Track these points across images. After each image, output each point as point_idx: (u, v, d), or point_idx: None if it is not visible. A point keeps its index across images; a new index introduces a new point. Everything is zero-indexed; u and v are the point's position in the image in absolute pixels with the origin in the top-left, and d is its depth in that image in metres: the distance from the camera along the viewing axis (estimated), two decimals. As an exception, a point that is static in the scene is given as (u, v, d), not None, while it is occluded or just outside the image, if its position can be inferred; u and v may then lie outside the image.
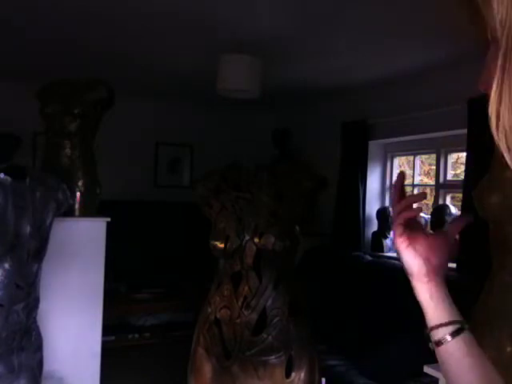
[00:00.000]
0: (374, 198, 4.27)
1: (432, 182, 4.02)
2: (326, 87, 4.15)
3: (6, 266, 1.67)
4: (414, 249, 0.70)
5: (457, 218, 0.81)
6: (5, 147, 4.12)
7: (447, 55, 3.11)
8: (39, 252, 1.81)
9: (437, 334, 0.67)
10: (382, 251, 4.01)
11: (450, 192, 3.71)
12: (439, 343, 0.66)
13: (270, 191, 1.81)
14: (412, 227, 0.71)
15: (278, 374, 1.70)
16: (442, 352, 0.67)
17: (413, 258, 0.70)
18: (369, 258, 3.72)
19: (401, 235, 0.70)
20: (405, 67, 3.42)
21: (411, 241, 0.70)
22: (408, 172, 4.47)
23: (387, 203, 4.27)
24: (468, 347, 0.66)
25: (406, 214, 0.71)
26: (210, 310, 1.81)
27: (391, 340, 2.81)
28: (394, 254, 3.93)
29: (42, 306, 1.92)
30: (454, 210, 3.48)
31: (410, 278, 0.72)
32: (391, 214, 3.92)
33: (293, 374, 1.72)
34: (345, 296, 3.55)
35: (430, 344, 0.68)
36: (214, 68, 2.96)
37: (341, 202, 4.22)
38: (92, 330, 2.41)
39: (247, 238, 1.75)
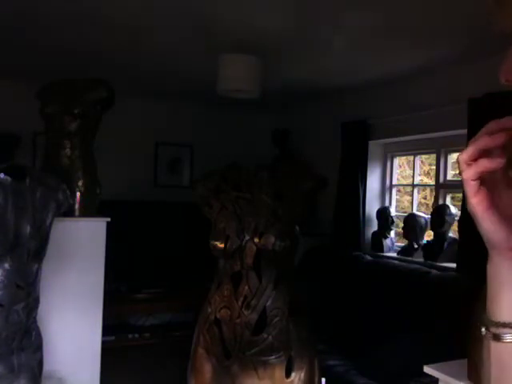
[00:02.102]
0: (374, 198, 4.27)
1: (432, 181, 4.02)
2: (325, 87, 4.16)
3: (6, 265, 1.67)
4: (498, 211, 0.51)
5: None
6: (5, 147, 4.12)
7: (447, 55, 3.11)
8: (39, 252, 1.81)
9: (504, 331, 0.52)
10: (382, 251, 4.01)
11: (450, 192, 3.71)
12: (500, 338, 0.52)
13: (270, 191, 1.81)
14: (491, 179, 0.51)
15: (278, 374, 1.70)
16: (503, 349, 0.52)
17: (496, 224, 0.51)
18: (369, 257, 3.72)
19: (476, 194, 0.51)
20: (405, 67, 3.42)
21: (493, 200, 0.51)
22: (408, 172, 4.47)
23: (387, 203, 4.27)
24: None
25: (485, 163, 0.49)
26: (210, 309, 1.81)
27: (391, 340, 2.81)
28: (394, 254, 3.93)
29: (42, 306, 1.91)
30: (453, 210, 3.48)
31: (490, 251, 0.53)
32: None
33: (293, 374, 1.72)
34: (345, 296, 3.55)
35: (484, 330, 0.55)
36: (214, 68, 2.96)
37: (341, 202, 4.22)
38: (92, 330, 2.41)
39: (247, 237, 1.75)
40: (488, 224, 0.51)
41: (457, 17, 2.47)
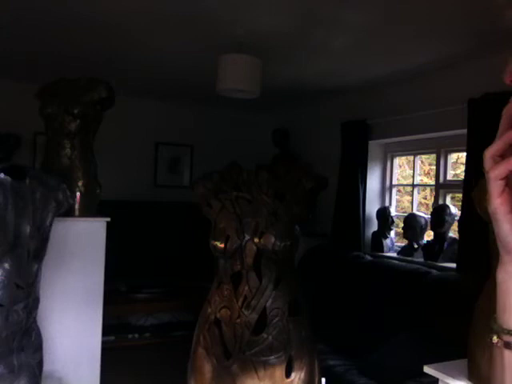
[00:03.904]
0: (374, 198, 4.27)
1: (432, 181, 4.02)
2: (325, 87, 4.16)
3: (6, 265, 1.67)
4: None
5: None
6: (5, 147, 4.12)
7: (447, 55, 3.11)
8: (39, 252, 1.81)
9: None
10: (382, 251, 4.01)
11: (449, 192, 3.71)
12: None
13: (270, 191, 1.81)
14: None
15: (278, 374, 1.70)
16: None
17: None
18: (369, 258, 3.72)
19: (501, 194, 0.49)
20: (405, 67, 3.42)
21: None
22: (408, 172, 4.47)
23: (387, 203, 4.27)
24: None
25: None
26: (210, 310, 1.81)
27: (391, 340, 2.81)
28: (394, 254, 3.93)
29: (42, 305, 1.91)
30: (454, 210, 3.48)
31: (504, 256, 0.52)
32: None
33: (293, 374, 1.72)
34: (345, 296, 3.55)
35: (495, 338, 0.54)
36: (213, 68, 2.96)
37: (341, 202, 4.22)
38: (92, 329, 2.41)
39: (247, 237, 1.75)
40: (506, 227, 0.49)
41: (457, 17, 2.47)
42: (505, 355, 0.53)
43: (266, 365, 1.69)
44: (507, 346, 0.52)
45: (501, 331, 0.53)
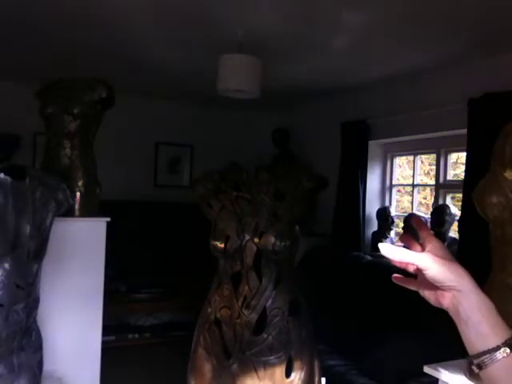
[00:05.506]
0: (374, 198, 4.27)
1: (432, 181, 4.02)
2: (326, 87, 4.16)
3: (6, 265, 1.66)
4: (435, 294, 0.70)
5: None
6: (5, 147, 4.12)
7: (447, 55, 3.11)
8: (39, 252, 1.81)
9: (477, 359, 0.62)
10: (382, 251, 4.01)
11: (449, 192, 3.71)
12: (480, 367, 0.62)
13: (270, 191, 1.81)
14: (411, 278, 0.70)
15: (278, 374, 1.70)
16: (488, 374, 0.62)
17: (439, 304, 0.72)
18: (369, 258, 3.72)
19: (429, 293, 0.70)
20: (405, 67, 3.42)
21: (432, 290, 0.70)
22: (408, 172, 4.47)
23: (387, 203, 4.27)
24: None
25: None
26: (210, 309, 1.81)
27: (391, 340, 2.81)
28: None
29: (42, 305, 1.91)
30: (453, 210, 3.49)
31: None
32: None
33: (293, 374, 1.72)
34: (345, 296, 3.55)
35: (473, 366, 0.64)
36: (213, 68, 2.96)
37: (341, 202, 4.22)
38: (92, 329, 2.41)
39: (247, 237, 1.75)
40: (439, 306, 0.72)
41: (457, 17, 2.47)
42: (481, 375, 0.62)
43: (266, 365, 1.69)
44: (479, 367, 0.62)
45: (469, 358, 0.63)
